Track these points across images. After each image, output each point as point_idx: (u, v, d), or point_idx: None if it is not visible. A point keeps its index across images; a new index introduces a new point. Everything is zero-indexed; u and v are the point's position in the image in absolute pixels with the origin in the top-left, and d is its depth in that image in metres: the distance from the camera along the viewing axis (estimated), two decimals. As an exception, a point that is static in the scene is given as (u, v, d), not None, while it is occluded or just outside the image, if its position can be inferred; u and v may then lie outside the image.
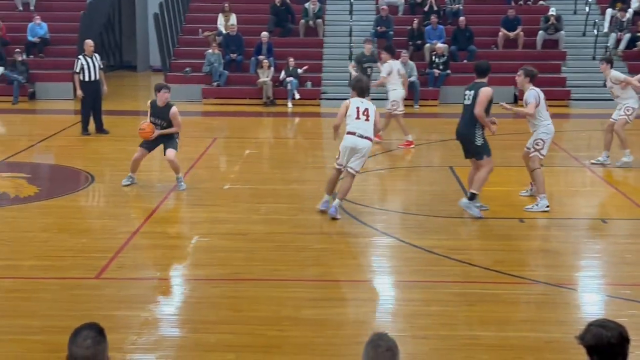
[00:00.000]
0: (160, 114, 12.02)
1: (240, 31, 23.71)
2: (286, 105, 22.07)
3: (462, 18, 23.88)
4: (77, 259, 9.13)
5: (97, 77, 17.13)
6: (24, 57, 23.13)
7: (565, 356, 6.61)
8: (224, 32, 23.94)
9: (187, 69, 22.86)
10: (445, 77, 22.51)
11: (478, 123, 10.51)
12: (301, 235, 10.32)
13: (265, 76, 22.29)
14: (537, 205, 10.96)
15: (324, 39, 24.68)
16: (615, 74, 14.06)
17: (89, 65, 16.97)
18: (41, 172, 14.53)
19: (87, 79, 16.99)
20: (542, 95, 10.95)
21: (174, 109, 12.03)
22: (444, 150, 15.68)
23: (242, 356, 6.66)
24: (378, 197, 12.15)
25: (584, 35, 24.62)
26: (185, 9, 26.10)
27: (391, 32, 23.89)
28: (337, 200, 10.83)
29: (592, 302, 8.36)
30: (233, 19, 24.11)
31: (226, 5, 24.38)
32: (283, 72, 22.46)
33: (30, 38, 23.83)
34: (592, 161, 14.28)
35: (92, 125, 17.28)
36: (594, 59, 23.61)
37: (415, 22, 23.82)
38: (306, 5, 24.66)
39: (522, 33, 23.97)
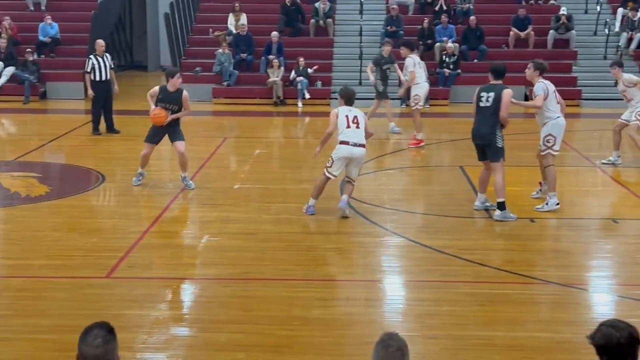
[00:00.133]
0: (172, 99, 11.99)
1: (251, 31, 23.74)
2: (296, 104, 22.09)
3: (472, 17, 23.86)
4: (87, 258, 9.16)
5: (108, 76, 17.17)
6: (35, 56, 23.22)
7: (576, 357, 6.59)
8: (234, 31, 23.96)
9: (198, 68, 22.89)
10: (456, 76, 22.49)
11: (498, 124, 10.46)
12: (311, 235, 10.33)
13: (275, 76, 22.31)
14: (547, 204, 10.92)
15: (334, 38, 24.68)
16: (628, 76, 13.95)
17: (100, 64, 17.01)
18: (52, 171, 14.57)
19: (98, 78, 17.03)
20: (551, 88, 10.85)
21: (185, 93, 12.07)
22: (454, 149, 15.66)
23: (252, 355, 6.66)
24: (388, 197, 12.13)
25: (595, 34, 24.56)
26: (195, 9, 26.15)
27: (401, 32, 23.85)
28: (345, 195, 10.87)
29: (603, 303, 8.33)
30: (243, 18, 24.12)
31: (236, 4, 24.39)
32: (293, 72, 22.48)
33: (41, 38, 23.90)
34: (603, 161, 14.23)
35: (102, 125, 17.32)
36: (605, 58, 23.57)
37: (426, 21, 23.80)
38: (316, 4, 24.67)
39: (532, 32, 23.92)
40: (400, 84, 18.05)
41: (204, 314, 7.79)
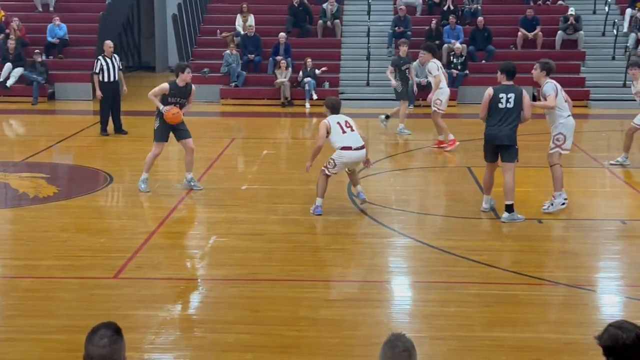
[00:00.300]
0: (182, 93, 12.01)
1: (258, 32, 23.75)
2: (304, 105, 22.11)
3: (480, 18, 23.83)
4: (95, 258, 9.18)
5: (116, 77, 17.22)
6: (44, 58, 23.28)
7: (584, 357, 6.58)
8: (241, 32, 23.98)
9: (205, 69, 22.92)
10: (464, 77, 22.47)
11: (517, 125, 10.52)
12: (318, 236, 10.34)
13: (282, 77, 22.33)
14: (552, 204, 10.86)
15: (341, 39, 24.69)
16: None
17: (109, 66, 17.06)
18: (60, 172, 14.61)
19: (106, 79, 17.08)
20: (559, 87, 10.78)
21: (194, 87, 12.23)
22: (462, 150, 15.62)
23: (260, 356, 6.67)
24: (396, 198, 12.13)
25: (603, 35, 24.52)
26: (203, 10, 26.19)
27: (409, 33, 23.85)
28: (359, 186, 11.20)
29: (611, 304, 8.31)
30: (251, 19, 24.14)
31: (244, 6, 24.42)
32: (301, 73, 22.49)
33: (49, 39, 23.96)
34: (611, 162, 14.19)
35: (110, 126, 17.37)
36: (613, 59, 23.57)
37: (434, 22, 23.79)
38: (324, 5, 24.68)
39: (540, 33, 23.90)
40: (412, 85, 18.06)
41: (211, 314, 7.80)
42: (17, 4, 25.89)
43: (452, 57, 22.63)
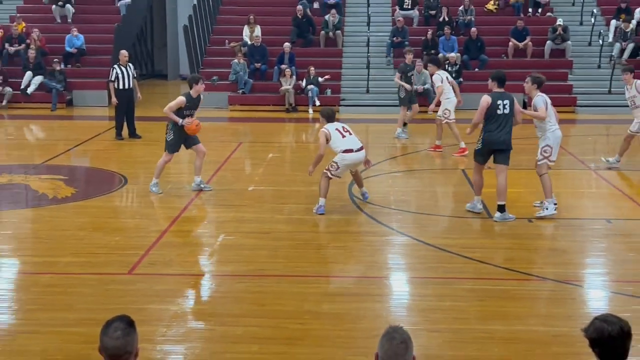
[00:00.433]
0: (195, 104, 12.03)
1: (264, 42, 23.76)
2: (307, 111, 22.08)
3: (473, 29, 23.83)
4: (111, 255, 9.19)
5: (131, 85, 17.24)
6: (62, 66, 23.32)
7: (572, 349, 6.58)
8: (249, 42, 23.99)
9: (215, 77, 22.92)
10: (458, 84, 22.38)
11: None
12: (321, 234, 10.34)
13: (287, 84, 22.34)
14: (546, 209, 10.78)
15: (343, 49, 24.68)
16: None
17: (124, 74, 17.08)
18: (78, 174, 14.62)
19: (121, 87, 17.10)
20: (549, 101, 10.74)
21: (202, 96, 12.28)
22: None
23: (266, 348, 6.68)
24: (394, 198, 12.12)
25: (589, 45, 24.50)
26: (212, 21, 26.19)
27: (407, 43, 23.82)
28: (364, 188, 11.49)
29: (597, 298, 8.31)
30: (257, 30, 24.16)
31: (251, 17, 24.44)
32: (304, 80, 22.50)
33: (67, 49, 23.99)
34: (602, 159, 14.11)
35: (125, 131, 17.38)
36: (599, 67, 23.56)
37: (430, 33, 23.77)
38: (326, 17, 24.68)
39: (530, 43, 23.88)
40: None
41: (220, 308, 7.80)
42: (37, 15, 25.90)
43: (447, 66, 22.57)
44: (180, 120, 11.76)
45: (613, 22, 24.41)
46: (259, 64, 23.32)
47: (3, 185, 12.87)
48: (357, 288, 8.39)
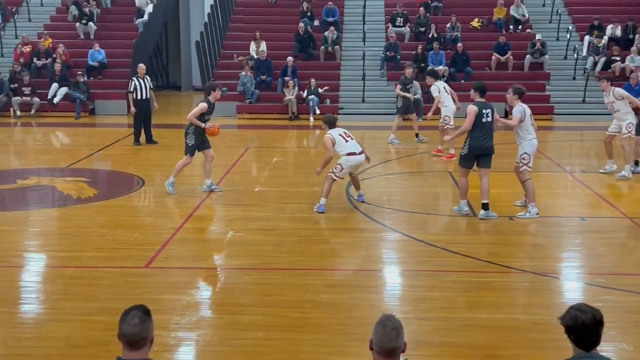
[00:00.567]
0: (212, 110, 12.03)
1: (270, 56, 23.76)
2: (308, 119, 22.09)
3: (459, 44, 23.82)
4: (130, 251, 9.18)
5: (148, 95, 17.23)
6: (85, 78, 23.33)
7: (549, 336, 6.56)
8: (255, 56, 23.99)
9: (224, 88, 22.78)
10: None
11: None
12: (321, 231, 10.33)
13: (290, 94, 22.33)
14: (529, 212, 10.74)
15: (341, 62, 24.68)
16: (619, 90, 13.53)
17: (141, 85, 17.07)
18: (99, 176, 14.62)
19: (139, 97, 17.10)
20: (528, 111, 10.66)
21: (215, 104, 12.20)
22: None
23: (270, 334, 6.67)
24: (387, 198, 12.11)
25: (565, 58, 24.50)
26: (222, 37, 26.20)
27: (399, 57, 23.88)
28: (360, 190, 11.52)
29: (572, 289, 8.29)
30: (263, 45, 24.17)
31: (257, 33, 24.46)
32: (306, 91, 22.50)
33: (90, 62, 24.00)
34: (600, 170, 13.91)
35: (142, 137, 17.37)
36: (574, 79, 23.61)
37: (420, 47, 23.79)
38: (325, 33, 24.70)
39: (511, 57, 23.88)
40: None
41: (229, 298, 7.80)
42: (62, 32, 25.90)
43: (435, 78, 22.57)
44: (202, 125, 11.76)
45: (586, 38, 24.40)
46: (265, 76, 23.31)
47: (31, 187, 12.87)
48: (353, 280, 8.39)
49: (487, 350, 6.43)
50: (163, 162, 15.35)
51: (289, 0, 27.61)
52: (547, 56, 23.90)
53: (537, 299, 7.73)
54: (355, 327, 6.82)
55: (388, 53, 24.00)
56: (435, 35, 24.39)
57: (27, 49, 24.20)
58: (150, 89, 17.37)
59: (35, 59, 23.95)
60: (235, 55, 24.99)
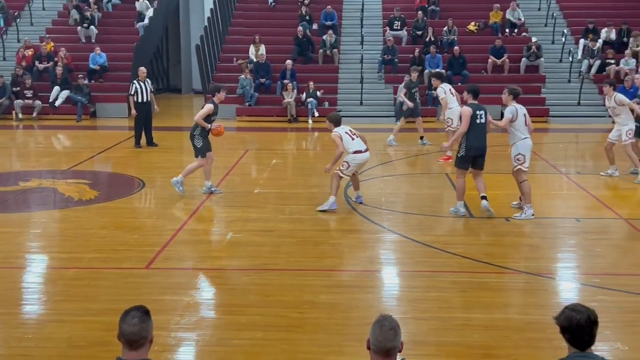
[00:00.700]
0: (217, 111, 12.01)
1: (269, 59, 23.77)
2: (307, 122, 22.10)
3: (456, 47, 23.84)
4: (130, 252, 9.17)
5: (149, 98, 17.21)
6: (87, 82, 23.30)
7: (544, 335, 6.57)
8: (254, 60, 23.99)
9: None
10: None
11: None
12: (319, 232, 10.32)
13: (289, 97, 22.33)
14: (524, 213, 10.75)
15: (339, 65, 24.68)
16: (621, 96, 13.36)
17: (142, 88, 17.06)
18: (100, 178, 14.60)
19: (140, 100, 17.08)
20: (521, 112, 10.64)
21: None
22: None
23: (269, 334, 6.66)
24: (385, 200, 12.11)
25: (560, 61, 24.52)
26: (222, 41, 26.20)
27: (396, 60, 23.88)
28: (359, 191, 11.55)
29: (567, 289, 8.30)
30: (262, 49, 24.17)
31: (256, 37, 24.45)
32: (304, 94, 22.49)
33: (91, 66, 23.98)
34: (601, 173, 13.85)
35: (143, 139, 17.35)
36: (569, 82, 23.62)
37: (417, 51, 23.79)
38: (324, 37, 24.71)
39: (507, 60, 23.89)
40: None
41: (227, 299, 7.80)
42: (64, 36, 25.89)
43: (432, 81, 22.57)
44: (209, 126, 11.77)
45: (581, 41, 24.42)
46: (264, 79, 23.32)
47: (33, 189, 12.86)
48: (351, 280, 8.38)
49: (484, 349, 6.42)
50: (163, 164, 15.36)
51: (288, 5, 27.64)
52: (542, 59, 23.92)
53: (533, 299, 7.72)
54: (353, 327, 6.81)
55: (386, 56, 24.01)
56: (433, 39, 24.41)
57: (29, 52, 24.18)
58: (151, 92, 17.35)
59: (37, 63, 23.93)
60: (234, 58, 24.99)
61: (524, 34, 25.64)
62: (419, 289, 7.94)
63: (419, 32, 25.19)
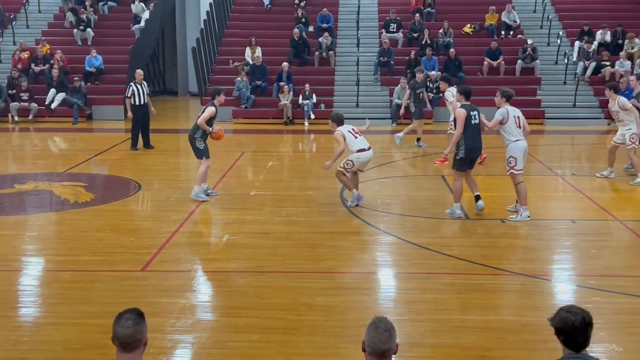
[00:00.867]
0: (216, 114, 12.01)
1: (265, 61, 23.78)
2: (303, 124, 22.11)
3: (452, 50, 23.88)
4: (126, 254, 9.16)
5: (146, 101, 17.20)
6: (83, 84, 23.28)
7: (539, 337, 6.57)
8: (250, 62, 24.01)
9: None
10: (438, 99, 22.43)
11: None
12: (315, 234, 10.31)
13: (285, 99, 22.34)
14: (520, 215, 10.77)
15: (335, 67, 24.71)
16: (623, 100, 13.34)
17: (139, 91, 17.05)
18: (96, 181, 14.58)
19: (137, 102, 17.06)
20: (513, 114, 10.62)
21: None
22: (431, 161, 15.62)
23: (265, 337, 6.66)
24: (381, 202, 12.11)
25: (556, 63, 24.56)
26: (218, 43, 26.21)
27: (392, 62, 23.92)
28: (354, 190, 11.52)
29: (562, 291, 8.30)
30: (258, 51, 24.18)
31: (253, 39, 24.46)
32: (301, 96, 22.51)
33: (87, 68, 23.99)
34: (597, 174, 13.85)
35: (140, 142, 17.32)
36: (564, 83, 23.66)
37: (413, 53, 23.82)
38: (320, 39, 24.73)
39: (503, 62, 23.93)
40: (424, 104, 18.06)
41: (224, 301, 7.79)
42: (60, 38, 25.88)
43: (428, 83, 22.56)
44: (210, 129, 11.76)
45: (577, 43, 24.48)
46: (260, 82, 23.33)
47: (29, 192, 12.84)
48: (347, 283, 8.38)
49: (479, 351, 6.43)
50: (159, 166, 15.35)
51: (283, 7, 27.67)
52: (538, 61, 23.96)
53: (528, 300, 7.73)
54: (349, 329, 6.81)
55: (381, 58, 24.04)
56: (428, 41, 24.43)
57: (25, 55, 24.17)
58: (148, 94, 17.33)
59: (33, 65, 23.92)
60: (231, 60, 24.99)
61: (519, 36, 25.68)
62: (414, 291, 7.95)
63: (415, 35, 25.22)
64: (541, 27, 26.14)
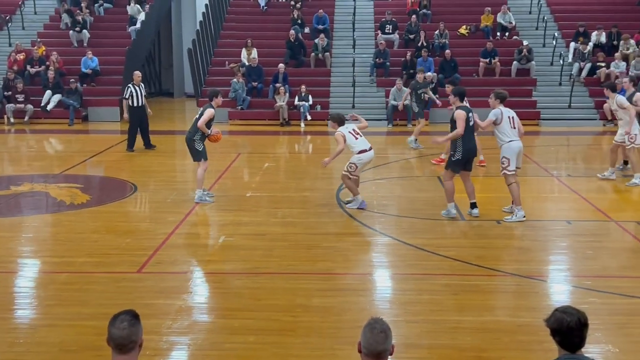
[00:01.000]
0: (215, 116, 12.00)
1: (261, 63, 23.78)
2: (299, 125, 22.11)
3: (447, 51, 23.89)
4: (122, 256, 9.15)
5: (143, 102, 17.18)
6: (78, 85, 23.25)
7: (535, 338, 6.58)
8: (246, 63, 24.00)
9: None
10: (433, 101, 22.43)
11: None
12: (311, 235, 10.31)
13: (281, 101, 22.34)
14: (515, 216, 10.77)
15: (331, 69, 24.71)
16: (620, 99, 13.32)
17: (137, 92, 17.02)
18: (92, 182, 14.57)
19: (135, 104, 17.04)
20: (507, 115, 10.65)
21: None
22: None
23: (261, 338, 6.66)
24: (377, 203, 12.11)
25: (551, 64, 24.59)
26: (214, 44, 26.19)
27: (388, 63, 23.92)
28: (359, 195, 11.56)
29: (558, 292, 8.31)
30: (254, 52, 24.18)
31: (249, 41, 24.46)
32: (297, 98, 22.50)
33: (83, 70, 23.95)
34: (599, 175, 13.84)
35: (138, 144, 17.26)
36: (560, 85, 23.68)
37: (409, 54, 23.83)
38: (316, 41, 24.72)
39: (498, 63, 23.96)
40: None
41: (220, 303, 7.79)
42: (56, 40, 25.84)
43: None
44: (209, 131, 11.75)
45: (572, 45, 24.51)
46: (256, 83, 23.32)
47: (25, 193, 12.82)
48: (343, 284, 8.38)
49: (475, 352, 6.43)
50: (155, 168, 15.33)
51: (279, 8, 27.68)
52: (533, 62, 23.99)
53: (524, 301, 7.74)
54: (345, 331, 6.81)
55: (377, 60, 24.04)
56: (424, 43, 24.43)
57: (21, 56, 24.12)
58: (144, 96, 17.31)
59: (28, 67, 23.87)
60: (227, 62, 24.98)
61: (515, 37, 25.70)
62: (410, 292, 7.95)
63: (411, 36, 25.24)
64: (536, 28, 26.18)
